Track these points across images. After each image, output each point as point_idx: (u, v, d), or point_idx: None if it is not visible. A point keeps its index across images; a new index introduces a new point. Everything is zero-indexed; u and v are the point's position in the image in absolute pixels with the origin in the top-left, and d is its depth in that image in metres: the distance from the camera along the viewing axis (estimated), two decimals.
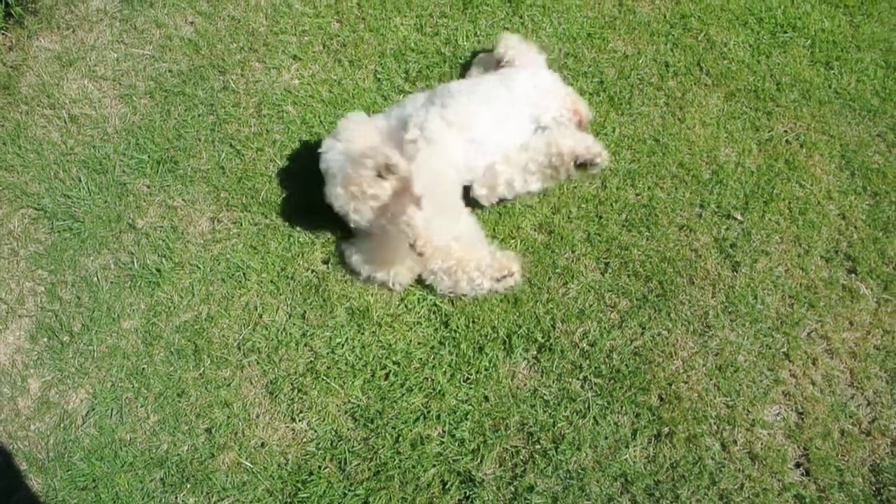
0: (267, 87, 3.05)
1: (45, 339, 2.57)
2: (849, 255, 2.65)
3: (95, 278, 2.66)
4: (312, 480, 2.32)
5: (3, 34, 3.15)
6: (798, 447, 2.34)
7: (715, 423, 2.37)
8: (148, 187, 2.84)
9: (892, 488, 2.27)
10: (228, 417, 2.42)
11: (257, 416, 2.43)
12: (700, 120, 2.93)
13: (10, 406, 2.49)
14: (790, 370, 2.46)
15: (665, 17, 3.21)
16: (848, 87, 3.03)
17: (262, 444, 2.38)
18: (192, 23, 3.22)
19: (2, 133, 2.97)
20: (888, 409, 2.40)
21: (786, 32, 3.17)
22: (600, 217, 2.71)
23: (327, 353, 2.49)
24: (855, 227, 2.71)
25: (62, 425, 2.44)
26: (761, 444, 2.34)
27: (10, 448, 2.42)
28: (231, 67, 3.09)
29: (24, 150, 2.92)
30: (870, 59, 3.11)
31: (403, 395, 2.42)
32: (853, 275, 2.62)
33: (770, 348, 2.49)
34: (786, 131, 2.93)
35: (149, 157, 2.89)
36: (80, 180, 2.84)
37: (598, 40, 3.13)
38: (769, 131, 2.92)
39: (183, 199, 2.80)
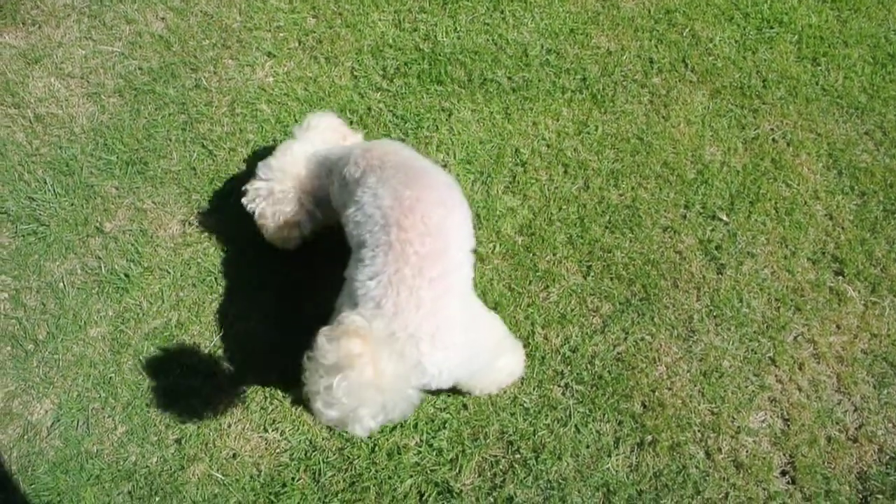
0: (240, 85, 2.96)
1: (9, 348, 2.48)
2: (836, 256, 2.60)
3: (61, 284, 2.57)
4: (286, 492, 2.25)
5: None
6: (784, 455, 2.29)
7: (699, 431, 2.32)
8: (116, 189, 2.74)
9: (880, 496, 2.22)
10: (199, 427, 2.34)
11: (229, 426, 2.35)
12: (685, 118, 2.87)
13: None
14: (776, 375, 2.41)
15: (649, 12, 3.14)
16: (835, 84, 2.97)
17: (234, 455, 2.31)
18: (163, 18, 3.12)
19: None
20: (875, 414, 2.35)
21: (772, 28, 3.11)
22: (582, 219, 2.64)
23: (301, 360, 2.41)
24: (842, 228, 2.65)
25: (26, 437, 2.35)
26: (746, 451, 2.29)
27: None
28: (203, 65, 3.00)
29: None
30: (857, 55, 3.05)
31: None
32: (840, 277, 2.57)
33: (756, 353, 2.43)
34: (772, 129, 2.86)
35: (117, 157, 2.79)
36: (45, 182, 2.74)
37: (581, 36, 3.06)
38: (755, 129, 2.85)
39: (153, 202, 2.71)
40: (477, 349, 1.94)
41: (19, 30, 3.09)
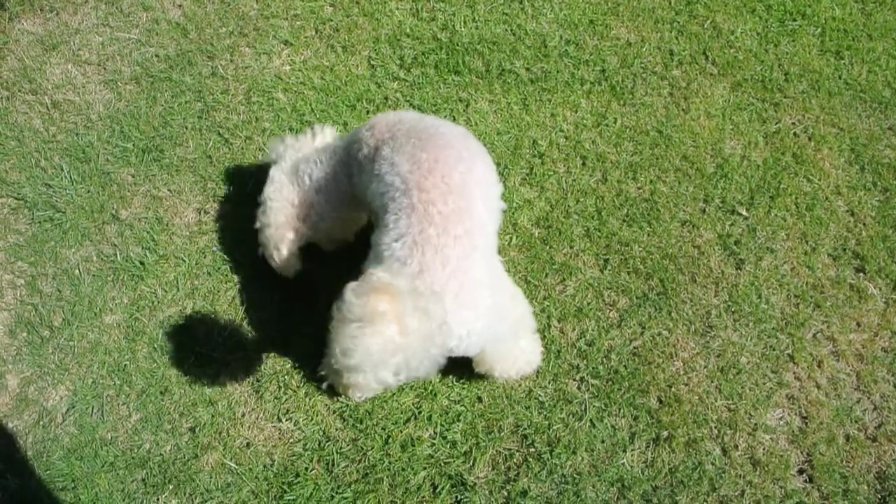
0: (257, 74, 2.94)
1: (25, 334, 2.49)
2: (857, 253, 2.56)
3: (77, 271, 2.58)
4: (299, 482, 2.24)
5: None
6: (801, 453, 2.27)
7: (716, 427, 2.30)
8: (132, 177, 2.74)
9: None
10: (213, 416, 2.34)
11: (243, 415, 2.35)
12: (705, 111, 2.83)
13: None
14: (794, 373, 2.38)
15: (670, 3, 3.10)
16: (859, 78, 2.92)
17: (248, 445, 2.31)
18: (180, 6, 3.11)
19: None
20: (895, 413, 2.31)
21: (795, 20, 3.06)
22: (600, 212, 2.62)
23: (315, 350, 2.40)
24: (864, 224, 2.62)
25: (41, 423, 2.36)
26: (763, 449, 2.27)
27: None
28: (220, 53, 2.99)
29: (4, 137, 2.82)
30: (882, 49, 3.00)
31: (394, 394, 2.34)
32: (861, 274, 2.53)
33: (774, 350, 2.40)
34: (794, 123, 2.82)
35: (134, 145, 2.79)
36: (62, 169, 2.74)
37: (601, 27, 3.02)
38: (776, 123, 2.82)
39: (168, 190, 2.71)
40: (501, 314, 1.93)
41: (37, 16, 3.09)
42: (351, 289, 1.60)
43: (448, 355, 1.84)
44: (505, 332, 2.03)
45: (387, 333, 1.54)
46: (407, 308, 1.57)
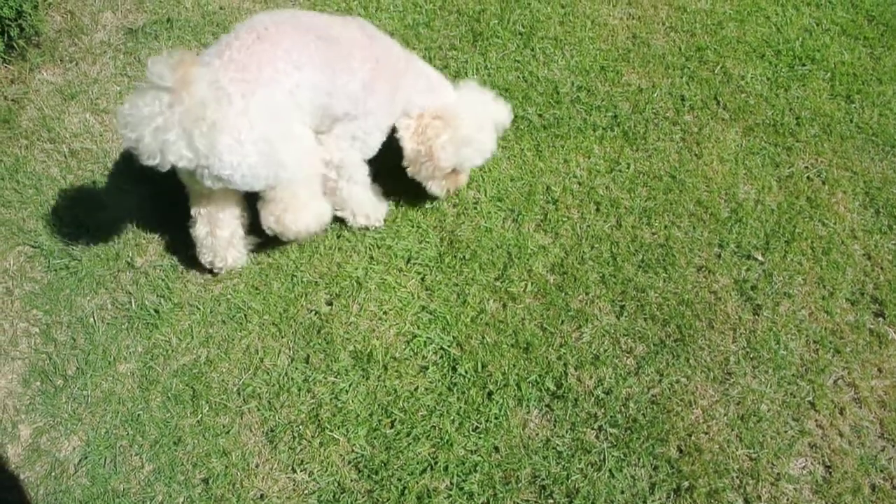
0: None
1: (38, 383, 2.48)
2: (875, 297, 2.54)
3: (92, 319, 2.58)
4: None
5: (5, 67, 3.10)
6: None
7: (737, 477, 2.25)
8: (148, 224, 2.75)
9: None
10: (227, 467, 2.31)
11: (257, 466, 2.32)
12: (718, 156, 2.84)
13: None
14: (816, 420, 2.34)
15: (680, 49, 3.13)
16: (870, 122, 2.93)
17: (262, 496, 2.27)
18: (197, 54, 3.16)
19: (0, 168, 2.90)
20: None
21: (804, 65, 3.09)
22: (615, 257, 2.61)
23: (330, 400, 2.39)
24: (881, 268, 2.60)
25: (53, 474, 2.33)
26: (787, 499, 2.22)
27: None
28: None
29: (22, 185, 2.85)
30: (892, 92, 3.02)
31: (409, 444, 2.31)
32: (881, 318, 2.51)
33: (795, 397, 2.37)
34: (807, 167, 2.83)
35: (149, 192, 2.81)
36: (78, 217, 2.76)
37: (612, 73, 3.05)
38: (789, 167, 2.82)
39: (184, 237, 2.72)
40: (280, 159, 2.22)
41: (57, 66, 3.14)
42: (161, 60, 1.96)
43: (223, 174, 2.16)
44: (294, 181, 2.30)
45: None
46: (202, 82, 1.98)
